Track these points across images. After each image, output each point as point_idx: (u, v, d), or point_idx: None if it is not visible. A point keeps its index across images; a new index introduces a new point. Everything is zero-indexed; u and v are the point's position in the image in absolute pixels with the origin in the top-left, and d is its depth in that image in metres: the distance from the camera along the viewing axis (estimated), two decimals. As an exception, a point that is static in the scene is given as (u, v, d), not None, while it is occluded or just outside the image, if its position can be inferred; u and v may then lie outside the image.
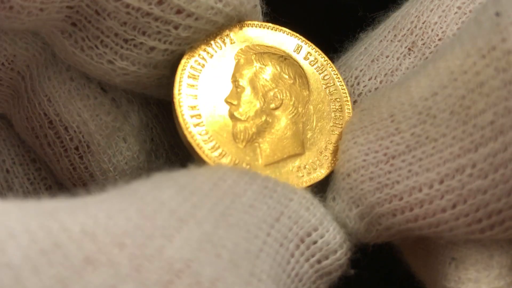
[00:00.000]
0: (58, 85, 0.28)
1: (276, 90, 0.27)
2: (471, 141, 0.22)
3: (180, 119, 0.26)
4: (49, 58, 0.28)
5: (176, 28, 0.26)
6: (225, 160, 0.26)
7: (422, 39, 0.29)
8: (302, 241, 0.23)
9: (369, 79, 0.29)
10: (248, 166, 0.26)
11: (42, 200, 0.19)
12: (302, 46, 0.29)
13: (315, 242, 0.24)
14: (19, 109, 0.29)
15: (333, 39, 0.32)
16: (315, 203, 0.25)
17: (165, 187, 0.21)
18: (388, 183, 0.24)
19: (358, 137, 0.26)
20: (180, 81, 0.27)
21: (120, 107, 0.29)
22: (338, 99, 0.28)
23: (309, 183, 0.27)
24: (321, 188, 0.27)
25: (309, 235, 0.24)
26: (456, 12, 0.28)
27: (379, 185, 0.24)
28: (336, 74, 0.29)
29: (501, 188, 0.22)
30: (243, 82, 0.27)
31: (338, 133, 0.28)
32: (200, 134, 0.26)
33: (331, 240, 0.24)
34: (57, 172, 0.30)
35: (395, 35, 0.30)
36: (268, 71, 0.28)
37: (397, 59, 0.29)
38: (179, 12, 0.25)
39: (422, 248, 0.26)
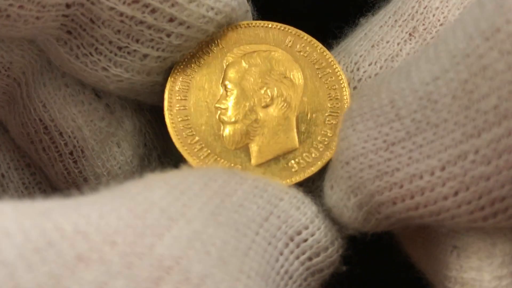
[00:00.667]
0: (53, 91, 0.28)
1: (265, 88, 0.27)
2: (474, 126, 0.21)
3: (170, 129, 0.26)
4: (44, 65, 0.28)
5: (168, 36, 0.26)
6: (216, 165, 0.26)
7: (423, 24, 0.28)
8: (292, 239, 0.23)
9: (369, 65, 0.28)
10: (240, 168, 0.26)
11: (36, 200, 0.20)
12: (294, 39, 0.28)
13: (305, 240, 0.24)
14: (15, 115, 0.29)
15: (333, 25, 0.31)
16: (306, 202, 0.25)
17: (156, 187, 0.21)
18: (388, 170, 0.23)
19: (357, 124, 0.25)
20: (170, 91, 0.27)
21: (114, 113, 0.29)
22: (334, 88, 0.28)
23: (303, 177, 0.26)
24: (319, 177, 0.27)
25: (299, 233, 0.24)
26: None
27: (378, 172, 0.23)
28: (333, 62, 0.28)
29: (505, 174, 0.21)
30: (232, 85, 0.27)
31: (335, 122, 0.27)
32: (191, 143, 0.26)
33: (322, 238, 0.24)
34: (52, 177, 0.30)
35: (395, 20, 0.29)
36: (257, 69, 0.27)
37: (398, 44, 0.28)
38: (171, 20, 0.26)
39: (422, 237, 0.25)
